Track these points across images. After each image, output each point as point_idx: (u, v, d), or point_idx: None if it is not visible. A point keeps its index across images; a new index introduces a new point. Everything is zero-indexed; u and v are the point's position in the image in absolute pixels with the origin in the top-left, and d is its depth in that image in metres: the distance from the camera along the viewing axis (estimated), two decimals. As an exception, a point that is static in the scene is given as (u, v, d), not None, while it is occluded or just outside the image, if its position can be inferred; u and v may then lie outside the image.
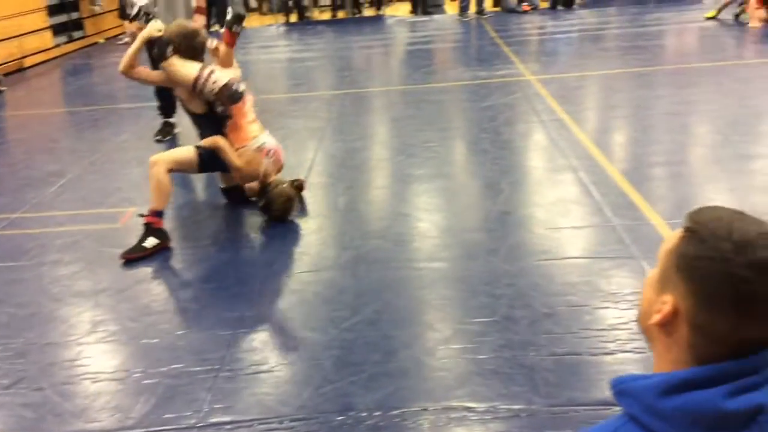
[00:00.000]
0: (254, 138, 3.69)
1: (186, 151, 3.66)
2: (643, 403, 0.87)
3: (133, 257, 3.36)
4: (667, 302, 0.88)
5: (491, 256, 3.17)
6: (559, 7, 11.49)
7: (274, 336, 2.68)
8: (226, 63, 3.95)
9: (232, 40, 3.93)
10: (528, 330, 2.54)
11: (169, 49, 3.62)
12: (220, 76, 3.55)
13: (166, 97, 5.45)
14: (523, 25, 10.36)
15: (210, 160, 3.64)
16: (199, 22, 5.32)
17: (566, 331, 2.51)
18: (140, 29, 5.23)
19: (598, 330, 2.51)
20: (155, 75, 3.85)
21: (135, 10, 4.28)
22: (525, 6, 11.47)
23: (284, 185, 3.74)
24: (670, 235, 0.92)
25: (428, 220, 3.69)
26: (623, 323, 2.53)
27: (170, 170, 3.52)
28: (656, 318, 0.89)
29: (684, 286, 0.86)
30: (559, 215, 3.58)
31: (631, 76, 6.54)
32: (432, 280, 3.04)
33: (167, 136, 5.47)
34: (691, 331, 0.87)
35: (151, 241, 3.42)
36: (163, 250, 3.45)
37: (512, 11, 11.52)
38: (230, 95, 3.52)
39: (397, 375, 2.35)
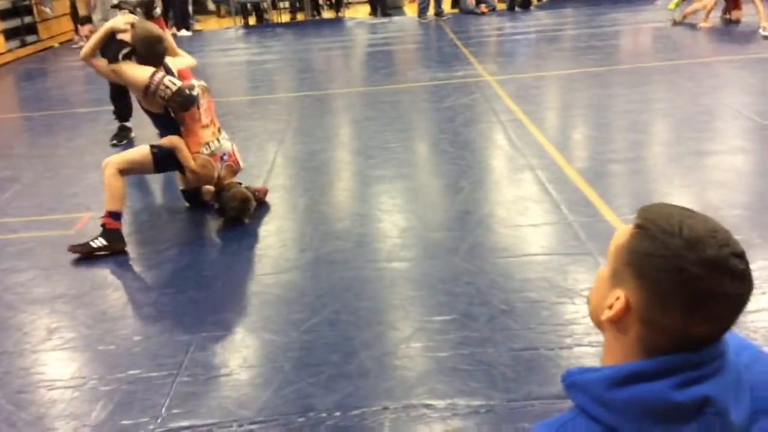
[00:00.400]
0: (206, 144, 3.62)
1: (139, 151, 3.61)
2: (592, 395, 0.89)
3: (78, 251, 3.37)
4: (619, 298, 0.90)
5: (451, 255, 3.19)
6: (517, 9, 11.62)
7: (234, 339, 2.66)
8: (170, 52, 3.94)
9: (158, 25, 4.02)
10: (486, 327, 2.57)
11: (121, 53, 3.58)
12: (172, 81, 3.50)
13: (122, 101, 5.38)
14: (481, 26, 10.46)
15: (165, 160, 3.59)
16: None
17: (523, 327, 2.55)
18: (92, 32, 5.18)
19: (554, 325, 2.56)
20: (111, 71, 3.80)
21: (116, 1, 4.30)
22: (483, 8, 11.57)
23: (240, 187, 3.72)
24: (620, 232, 0.94)
25: (388, 220, 3.70)
26: (580, 318, 2.57)
27: (122, 171, 3.47)
28: (608, 314, 0.91)
29: (635, 282, 0.88)
30: (518, 213, 3.62)
31: (587, 76, 6.65)
32: (392, 280, 3.05)
33: (123, 140, 5.38)
34: (641, 325, 0.88)
35: (99, 242, 3.39)
36: (117, 253, 3.41)
37: (470, 13, 11.62)
38: (181, 102, 3.49)
39: (356, 375, 2.36)
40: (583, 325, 2.53)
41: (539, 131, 4.96)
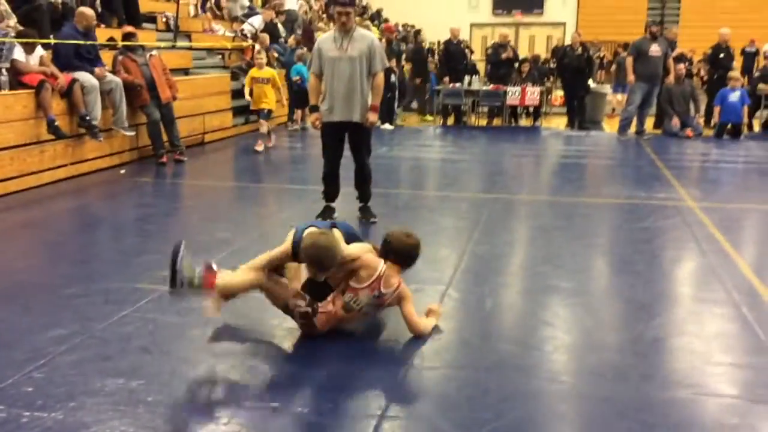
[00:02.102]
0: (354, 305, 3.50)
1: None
2: None
3: None
4: None
5: (641, 382, 3.05)
6: (725, 137, 11.15)
7: (416, 428, 2.71)
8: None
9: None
10: (681, 465, 2.41)
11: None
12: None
13: (332, 184, 5.81)
14: (685, 150, 10.14)
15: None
16: (372, 119, 5.62)
17: (724, 474, 2.36)
18: (318, 120, 5.64)
19: (759, 479, 2.34)
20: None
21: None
22: (688, 131, 11.24)
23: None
24: None
25: (574, 333, 3.63)
26: (789, 476, 2.34)
27: None
28: None
29: None
30: (718, 350, 3.40)
31: (803, 214, 6.19)
32: (577, 396, 2.97)
33: (327, 219, 5.78)
34: None
35: None
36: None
37: (674, 135, 11.32)
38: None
39: (536, 488, 2.30)
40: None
41: (746, 265, 4.66)
